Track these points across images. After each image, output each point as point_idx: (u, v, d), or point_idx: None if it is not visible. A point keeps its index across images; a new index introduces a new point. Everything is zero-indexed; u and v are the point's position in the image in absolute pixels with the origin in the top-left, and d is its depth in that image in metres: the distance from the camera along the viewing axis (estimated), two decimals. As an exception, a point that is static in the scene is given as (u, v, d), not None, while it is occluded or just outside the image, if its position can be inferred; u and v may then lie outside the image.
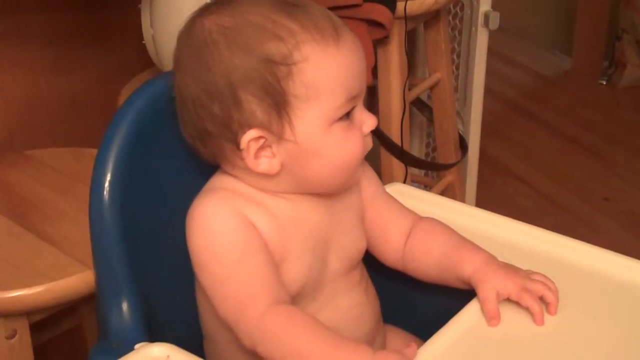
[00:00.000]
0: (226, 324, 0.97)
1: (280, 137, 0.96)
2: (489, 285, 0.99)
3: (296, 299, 1.01)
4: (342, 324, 1.05)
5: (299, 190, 1.01)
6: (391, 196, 1.14)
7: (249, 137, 0.96)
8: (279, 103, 0.95)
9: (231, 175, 1.02)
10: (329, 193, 1.03)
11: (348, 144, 0.98)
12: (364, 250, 1.10)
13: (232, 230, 0.96)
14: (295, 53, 0.94)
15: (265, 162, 0.98)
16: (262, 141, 0.97)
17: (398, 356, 0.89)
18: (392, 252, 1.10)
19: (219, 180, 1.03)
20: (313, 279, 1.02)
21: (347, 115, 0.97)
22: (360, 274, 1.10)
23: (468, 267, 1.02)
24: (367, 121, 0.99)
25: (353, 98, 0.97)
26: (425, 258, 1.08)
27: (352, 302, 1.07)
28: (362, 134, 0.99)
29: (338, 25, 0.97)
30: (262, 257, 0.96)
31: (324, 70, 0.95)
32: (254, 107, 0.95)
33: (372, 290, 1.11)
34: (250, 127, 0.96)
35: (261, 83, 0.94)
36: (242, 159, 0.98)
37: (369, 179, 1.11)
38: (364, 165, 1.09)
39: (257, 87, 0.94)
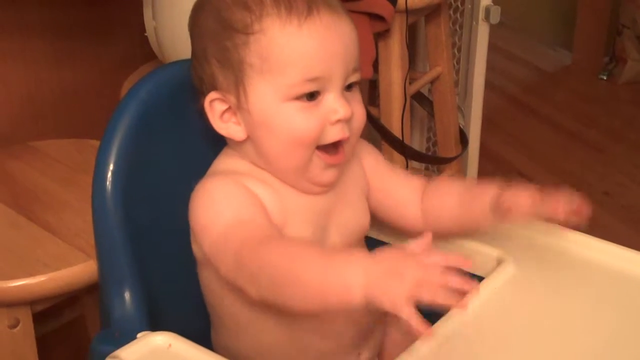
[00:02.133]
0: (230, 282, 0.96)
1: (238, 105, 0.99)
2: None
3: None
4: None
5: (268, 169, 1.01)
6: (394, 165, 1.15)
7: (210, 98, 1.01)
8: (235, 70, 0.98)
9: (231, 153, 1.04)
10: (290, 179, 1.02)
11: (297, 123, 0.97)
12: (366, 226, 1.10)
13: (234, 193, 0.98)
14: (255, 24, 0.97)
15: (231, 127, 1.01)
16: (225, 105, 1.00)
17: (402, 252, 0.83)
18: (410, 211, 1.10)
19: (220, 163, 1.05)
20: None
21: (311, 97, 0.97)
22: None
23: (490, 190, 1.03)
24: (337, 109, 0.97)
25: (313, 80, 0.96)
26: (446, 201, 1.08)
27: None
28: (322, 119, 0.97)
29: (318, 5, 0.97)
30: (260, 209, 0.97)
31: (278, 45, 0.96)
32: (216, 70, 1.00)
33: None
34: (213, 88, 1.01)
35: (222, 48, 0.99)
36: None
37: (368, 153, 1.12)
38: (361, 143, 1.10)
39: (219, 52, 0.99)
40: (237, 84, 0.98)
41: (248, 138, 1.01)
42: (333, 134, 0.99)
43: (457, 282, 0.81)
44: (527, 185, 1.02)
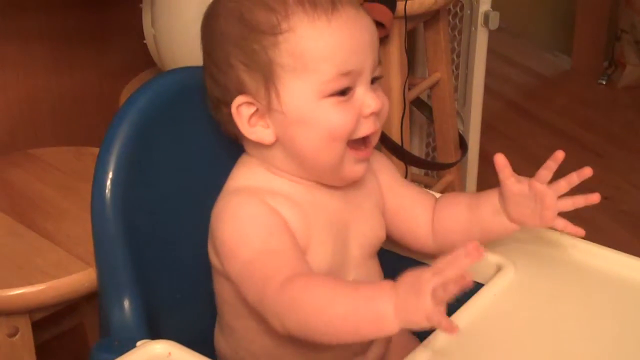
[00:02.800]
0: (255, 309, 0.96)
1: (269, 106, 0.98)
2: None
3: None
4: None
5: (297, 171, 1.02)
6: (408, 181, 1.15)
7: (237, 103, 0.99)
8: (265, 72, 0.97)
9: (249, 162, 1.04)
10: (325, 175, 1.02)
11: (333, 117, 0.97)
12: (383, 239, 1.10)
13: (259, 214, 0.98)
14: (283, 23, 0.96)
15: (260, 131, 1.00)
16: (253, 108, 0.99)
17: (426, 274, 0.83)
18: (422, 229, 1.10)
19: (241, 176, 1.04)
20: (337, 265, 1.03)
21: (344, 92, 0.97)
22: (378, 267, 1.11)
23: (496, 192, 1.04)
24: (369, 102, 0.98)
25: (347, 74, 0.96)
26: (455, 210, 1.08)
27: None
28: (357, 113, 0.98)
29: (341, 0, 0.97)
30: (287, 237, 0.97)
31: (310, 42, 0.96)
32: (243, 74, 0.99)
33: None
34: (240, 93, 0.99)
35: (248, 51, 0.97)
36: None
37: (384, 167, 1.12)
38: (377, 155, 1.11)
39: (245, 55, 0.98)
40: (268, 86, 0.97)
41: (277, 141, 1.00)
42: (366, 128, 0.99)
43: (466, 263, 0.81)
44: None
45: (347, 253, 1.05)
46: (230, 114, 1.01)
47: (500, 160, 1.02)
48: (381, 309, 0.84)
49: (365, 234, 1.07)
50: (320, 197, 1.03)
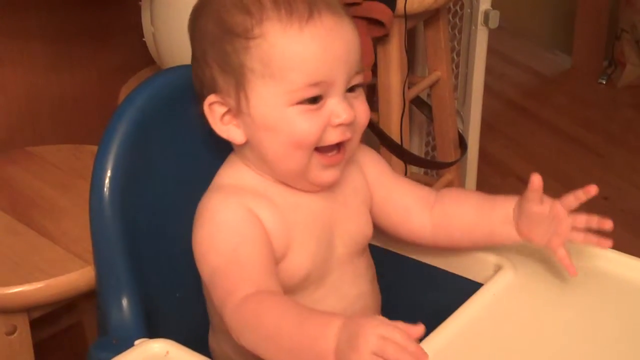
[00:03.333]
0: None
1: (238, 108, 0.98)
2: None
3: (303, 285, 1.02)
4: (348, 313, 1.04)
5: (270, 172, 1.01)
6: (400, 175, 1.14)
7: (209, 101, 1.00)
8: (236, 75, 0.97)
9: (234, 160, 1.04)
10: (291, 180, 1.02)
11: (298, 125, 0.96)
12: (369, 236, 1.10)
13: (234, 220, 0.97)
14: (256, 28, 0.96)
15: (231, 130, 1.00)
16: (225, 108, 1.00)
17: (369, 320, 0.83)
18: (415, 220, 1.09)
19: (225, 175, 1.04)
20: (319, 264, 1.03)
21: (314, 101, 0.96)
22: (366, 264, 1.10)
23: (512, 201, 1.04)
24: (339, 113, 0.97)
25: (316, 85, 0.95)
26: (462, 207, 1.07)
27: (358, 291, 1.08)
28: (324, 122, 0.97)
29: (319, 8, 0.96)
30: (258, 248, 0.96)
31: (279, 50, 0.95)
32: (216, 74, 0.99)
33: (376, 283, 1.12)
34: (212, 91, 1.00)
35: (222, 52, 0.98)
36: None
37: (371, 161, 1.11)
38: (364, 150, 1.10)
39: (219, 56, 0.98)
40: (238, 88, 0.98)
41: (247, 141, 1.00)
42: (333, 137, 0.98)
43: (413, 349, 0.79)
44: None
45: (331, 252, 1.05)
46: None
47: (537, 182, 1.00)
48: (322, 348, 0.83)
49: (351, 232, 1.07)
50: (304, 198, 1.03)
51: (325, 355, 0.83)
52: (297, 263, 1.01)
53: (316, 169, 1.00)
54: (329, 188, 1.04)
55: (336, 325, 0.83)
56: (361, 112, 1.00)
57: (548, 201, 1.01)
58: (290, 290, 1.00)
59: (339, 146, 1.00)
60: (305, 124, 0.96)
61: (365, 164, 1.10)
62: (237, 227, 0.97)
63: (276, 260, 0.99)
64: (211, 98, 1.00)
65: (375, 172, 1.11)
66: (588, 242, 1.01)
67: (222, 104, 1.00)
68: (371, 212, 1.11)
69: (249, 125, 0.99)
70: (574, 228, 1.01)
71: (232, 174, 1.04)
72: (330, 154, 0.99)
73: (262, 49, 0.95)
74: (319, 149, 0.98)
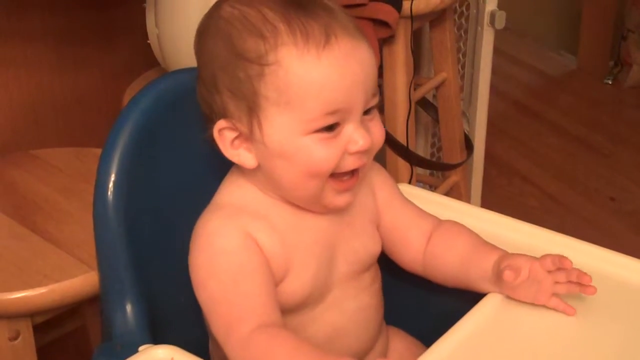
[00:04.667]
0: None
1: (251, 135, 0.96)
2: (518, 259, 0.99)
3: (303, 303, 1.01)
4: (347, 327, 1.04)
5: (280, 196, 0.99)
6: (408, 200, 1.11)
7: (219, 126, 0.97)
8: (249, 101, 0.94)
9: (236, 178, 1.02)
10: (304, 204, 1.00)
11: (315, 154, 0.93)
12: (377, 254, 1.08)
13: (233, 250, 0.95)
14: (270, 54, 0.92)
15: (242, 154, 0.97)
16: (235, 133, 0.97)
17: None
18: (411, 254, 1.08)
19: (225, 194, 1.02)
20: (319, 285, 1.02)
21: (331, 128, 0.93)
22: (372, 277, 1.09)
23: (493, 256, 1.01)
24: (357, 140, 0.94)
25: (334, 113, 0.92)
26: (448, 255, 1.06)
27: (360, 306, 1.06)
28: (342, 150, 0.94)
29: (336, 32, 0.93)
30: (259, 279, 0.95)
31: (296, 77, 0.92)
32: (227, 99, 0.96)
33: (380, 293, 1.11)
34: (223, 117, 0.97)
35: (234, 78, 0.94)
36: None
37: (383, 183, 1.09)
38: (377, 170, 1.09)
39: (231, 81, 0.94)
40: (251, 115, 0.94)
41: (259, 166, 0.98)
42: (350, 163, 0.96)
43: None
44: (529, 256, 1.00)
45: (332, 271, 1.03)
46: (212, 134, 0.99)
47: (509, 279, 0.98)
48: None
49: (356, 251, 1.05)
50: (306, 218, 1.01)
51: None
52: (297, 284, 0.99)
53: (330, 194, 0.98)
54: (337, 212, 1.02)
55: None
56: (377, 135, 0.97)
57: (525, 268, 0.98)
58: (290, 308, 0.99)
59: (352, 171, 0.97)
60: (322, 153, 0.93)
61: (377, 185, 1.09)
62: (236, 256, 0.95)
63: (275, 283, 0.97)
64: (221, 124, 0.96)
65: (386, 195, 1.09)
66: (571, 292, 0.98)
67: (233, 129, 0.96)
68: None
69: (262, 151, 0.96)
70: (556, 283, 0.98)
71: (232, 192, 1.02)
72: (344, 179, 0.97)
73: (277, 76, 0.92)
74: (332, 176, 0.96)
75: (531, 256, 0.99)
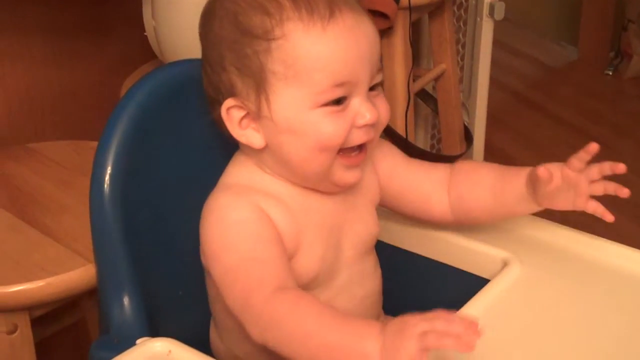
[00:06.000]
0: (233, 314, 0.95)
1: (259, 112, 0.96)
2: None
3: (311, 286, 1.01)
4: (357, 313, 1.05)
5: (289, 176, 1.00)
6: (413, 159, 1.13)
7: (227, 105, 0.97)
8: (256, 77, 0.95)
9: (243, 160, 1.02)
10: (313, 183, 1.00)
11: (324, 128, 0.94)
12: (377, 235, 1.09)
13: (247, 220, 0.96)
14: (277, 29, 0.93)
15: (250, 134, 0.98)
16: (243, 112, 0.97)
17: (413, 318, 0.83)
18: (436, 206, 1.09)
19: (233, 174, 1.03)
20: (327, 266, 1.02)
21: (339, 102, 0.94)
22: (374, 263, 1.10)
23: (523, 174, 1.03)
24: (364, 113, 0.95)
25: (341, 85, 0.93)
26: (477, 191, 1.07)
27: (366, 291, 1.07)
28: (349, 123, 0.95)
29: (339, 6, 0.93)
30: (273, 246, 0.95)
31: (303, 50, 0.93)
32: (234, 77, 0.96)
33: (381, 281, 1.11)
34: (230, 95, 0.97)
35: (241, 55, 0.95)
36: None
37: (384, 156, 1.10)
38: (376, 145, 1.07)
39: (238, 59, 0.95)
40: (258, 92, 0.95)
41: (266, 146, 0.98)
42: (358, 137, 0.96)
43: (459, 327, 0.80)
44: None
45: (339, 254, 1.04)
46: (219, 115, 0.99)
47: (544, 175, 0.99)
48: (368, 348, 0.83)
49: (359, 233, 1.06)
50: (314, 200, 1.02)
51: (372, 353, 0.83)
52: (305, 265, 1.00)
53: (339, 170, 0.98)
54: (345, 190, 1.03)
55: (378, 325, 0.84)
56: (383, 110, 0.98)
57: (557, 172, 1.01)
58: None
59: (360, 146, 0.98)
60: (332, 127, 0.94)
61: (378, 159, 1.09)
62: (251, 225, 0.96)
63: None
64: (229, 102, 0.97)
65: (388, 166, 1.10)
66: (607, 192, 1.01)
67: (241, 107, 0.97)
68: (390, 204, 1.11)
69: (270, 129, 0.96)
70: (592, 182, 1.01)
71: (241, 174, 1.02)
72: (352, 155, 0.98)
73: (284, 50, 0.93)
74: (341, 150, 0.97)
75: (561, 163, 1.01)
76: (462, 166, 1.10)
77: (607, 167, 1.01)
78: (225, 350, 1.08)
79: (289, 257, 0.98)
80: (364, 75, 0.95)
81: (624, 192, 1.00)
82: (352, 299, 1.05)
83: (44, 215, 1.43)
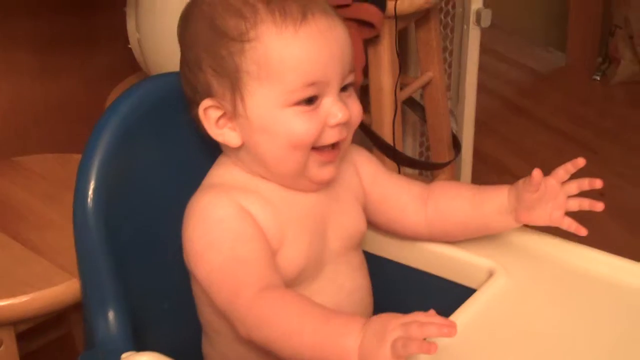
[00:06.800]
0: (222, 315, 0.97)
1: (234, 111, 0.99)
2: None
3: (298, 279, 1.02)
4: (344, 306, 1.06)
5: (267, 174, 1.02)
6: (393, 172, 1.15)
7: (204, 105, 1.00)
8: (232, 78, 0.98)
9: (224, 161, 1.04)
10: (290, 182, 1.02)
11: (296, 126, 0.97)
12: (363, 231, 1.10)
13: (228, 218, 0.98)
14: (251, 31, 0.96)
15: (227, 133, 1.01)
16: (220, 112, 1.00)
17: (391, 315, 0.86)
18: (411, 217, 1.11)
19: (215, 175, 1.05)
20: (313, 258, 1.03)
21: (310, 102, 0.97)
22: (360, 260, 1.11)
23: (504, 188, 1.06)
24: (335, 113, 0.98)
25: (312, 85, 0.97)
26: (455, 203, 1.09)
27: (354, 285, 1.08)
28: (322, 122, 0.98)
29: (312, 11, 0.97)
30: (256, 245, 0.97)
31: (275, 52, 0.96)
32: (211, 78, 1.00)
33: (369, 278, 1.12)
34: (207, 96, 1.00)
35: (217, 56, 0.98)
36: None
37: (365, 160, 1.12)
38: (358, 150, 1.12)
39: (214, 60, 0.99)
40: (234, 91, 0.98)
41: (243, 144, 1.01)
42: (331, 136, 1.00)
43: (434, 331, 0.83)
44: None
45: (325, 246, 1.05)
46: (196, 115, 1.02)
47: (537, 177, 1.02)
48: (348, 344, 0.86)
49: (346, 227, 1.07)
50: (296, 194, 1.03)
51: (350, 351, 0.86)
52: (291, 257, 1.01)
53: (314, 167, 1.01)
54: (322, 188, 1.05)
55: (360, 322, 0.87)
56: (355, 110, 1.01)
57: (542, 179, 1.03)
58: (286, 284, 1.00)
59: (333, 145, 1.01)
60: (304, 125, 0.97)
61: (360, 164, 1.11)
62: (232, 224, 0.98)
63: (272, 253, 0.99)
64: (206, 102, 1.00)
65: (370, 171, 1.12)
66: (583, 208, 1.04)
67: (218, 107, 1.00)
68: (367, 211, 1.12)
69: (245, 127, 0.99)
70: (569, 197, 1.04)
71: (222, 174, 1.04)
72: (326, 151, 1.00)
73: (257, 52, 0.96)
74: (315, 148, 1.00)
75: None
76: (441, 182, 1.15)
77: (586, 183, 1.04)
78: (219, 357, 1.08)
79: (274, 251, 1.00)
80: (335, 75, 0.98)
81: (598, 207, 1.03)
82: (339, 291, 1.07)
83: (29, 230, 1.43)
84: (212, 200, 1.00)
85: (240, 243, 0.97)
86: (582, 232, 1.03)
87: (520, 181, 1.04)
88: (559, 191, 1.04)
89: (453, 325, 0.83)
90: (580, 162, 1.04)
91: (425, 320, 0.83)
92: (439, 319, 0.84)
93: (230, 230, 0.97)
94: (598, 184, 1.03)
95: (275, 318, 0.91)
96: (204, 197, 1.01)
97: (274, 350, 0.92)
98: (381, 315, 0.87)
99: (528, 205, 1.04)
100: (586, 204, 1.04)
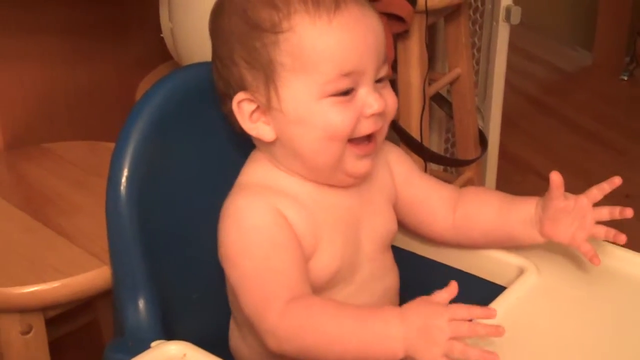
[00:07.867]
0: (248, 322, 0.97)
1: (269, 104, 0.98)
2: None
3: (332, 283, 1.02)
4: (374, 307, 1.05)
5: (301, 170, 1.01)
6: (426, 173, 1.15)
7: (238, 99, 0.99)
8: (265, 70, 0.97)
9: (258, 157, 1.04)
10: (326, 175, 1.01)
11: (332, 117, 0.96)
12: (394, 232, 1.10)
13: (264, 226, 0.97)
14: (284, 22, 0.95)
15: (260, 127, 1.00)
16: (254, 105, 0.99)
17: (431, 307, 0.88)
18: (440, 222, 1.10)
19: (249, 173, 1.04)
20: (347, 262, 1.03)
21: (346, 93, 0.96)
22: (391, 261, 1.11)
23: (533, 200, 1.05)
24: (371, 103, 0.97)
25: (347, 75, 0.95)
26: (483, 210, 1.08)
27: (387, 286, 1.08)
28: (357, 113, 0.97)
29: (345, 0, 0.96)
30: (290, 254, 0.97)
31: (310, 42, 0.95)
32: (244, 71, 0.98)
33: (399, 277, 1.12)
34: (241, 89, 0.99)
35: (250, 48, 0.97)
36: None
37: (399, 159, 1.11)
38: (392, 148, 1.11)
39: (247, 52, 0.97)
40: (268, 84, 0.97)
41: (277, 139, 1.00)
42: (366, 127, 0.98)
43: (483, 332, 0.87)
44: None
45: (358, 249, 1.05)
46: (230, 110, 1.01)
47: (556, 179, 1.01)
48: (390, 343, 0.87)
49: (377, 229, 1.07)
50: (330, 196, 1.03)
51: (395, 347, 0.87)
52: (326, 261, 1.01)
53: (351, 160, 1.00)
54: (358, 183, 1.04)
55: (395, 312, 0.88)
56: (390, 101, 1.00)
57: (572, 196, 1.02)
58: (320, 288, 1.00)
59: (369, 137, 1.00)
60: (339, 116, 0.96)
61: (393, 162, 1.11)
62: (268, 231, 0.97)
63: (306, 259, 0.99)
64: (240, 95, 0.99)
65: (403, 170, 1.11)
66: (607, 238, 1.02)
67: (251, 100, 0.99)
68: (395, 210, 1.11)
69: (280, 120, 0.98)
70: (597, 222, 1.02)
71: (256, 172, 1.03)
72: (363, 144, 0.99)
73: (291, 43, 0.95)
74: (351, 141, 0.98)
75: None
76: (473, 188, 1.14)
77: (617, 212, 1.02)
78: (249, 352, 1.08)
79: (309, 256, 0.99)
80: (370, 65, 0.96)
81: (621, 239, 1.01)
82: (373, 294, 1.06)
83: (60, 216, 1.44)
84: (247, 204, 0.99)
85: (275, 252, 0.96)
86: (597, 261, 1.01)
87: (548, 191, 1.03)
88: (588, 211, 1.02)
89: (500, 326, 0.86)
90: (617, 181, 1.02)
91: (467, 315, 0.85)
92: (478, 311, 0.86)
93: (266, 239, 0.97)
94: (629, 213, 1.01)
95: (310, 328, 0.91)
96: (239, 199, 1.00)
97: (310, 359, 0.91)
98: (418, 305, 0.88)
99: (553, 216, 1.02)
100: (611, 235, 1.01)
